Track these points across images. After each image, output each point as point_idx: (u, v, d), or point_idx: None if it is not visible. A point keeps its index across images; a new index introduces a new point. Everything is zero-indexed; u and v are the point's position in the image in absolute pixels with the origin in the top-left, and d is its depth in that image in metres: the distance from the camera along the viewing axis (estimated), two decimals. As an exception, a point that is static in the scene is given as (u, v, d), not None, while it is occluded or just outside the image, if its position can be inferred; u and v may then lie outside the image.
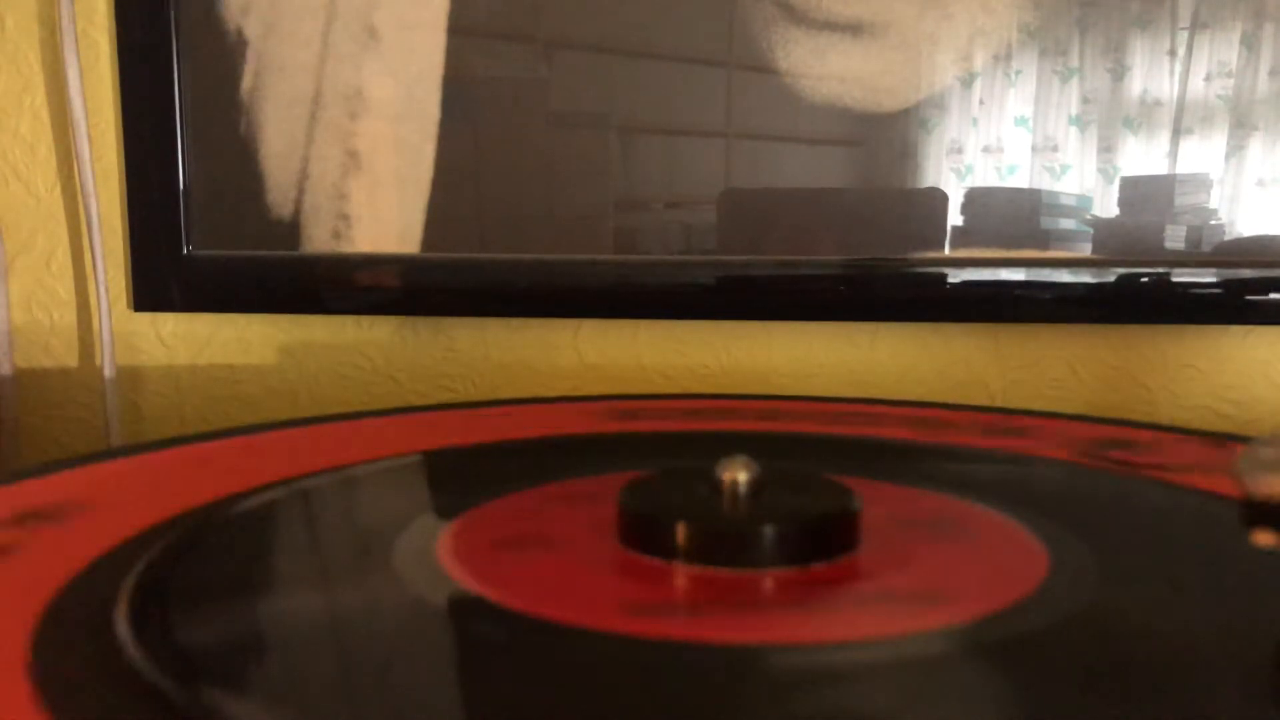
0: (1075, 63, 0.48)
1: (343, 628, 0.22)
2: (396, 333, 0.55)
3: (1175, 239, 0.48)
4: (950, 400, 0.51)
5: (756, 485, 0.25)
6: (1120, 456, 0.35)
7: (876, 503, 0.28)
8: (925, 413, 0.43)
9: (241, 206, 0.52)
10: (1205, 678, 0.19)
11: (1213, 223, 0.48)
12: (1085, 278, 0.48)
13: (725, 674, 0.19)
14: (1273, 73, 0.47)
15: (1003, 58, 0.48)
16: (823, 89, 0.49)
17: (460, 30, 0.50)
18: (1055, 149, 0.48)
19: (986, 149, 0.49)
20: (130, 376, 0.56)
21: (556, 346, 0.54)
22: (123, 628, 0.20)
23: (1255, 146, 0.47)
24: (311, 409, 0.55)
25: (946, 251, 0.49)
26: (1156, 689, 0.19)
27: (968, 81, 0.48)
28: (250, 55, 0.51)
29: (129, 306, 0.54)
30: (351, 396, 0.55)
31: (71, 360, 0.56)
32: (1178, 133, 0.48)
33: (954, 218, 0.49)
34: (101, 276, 0.53)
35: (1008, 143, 0.49)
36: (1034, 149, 0.49)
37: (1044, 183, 0.49)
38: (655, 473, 0.27)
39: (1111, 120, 0.48)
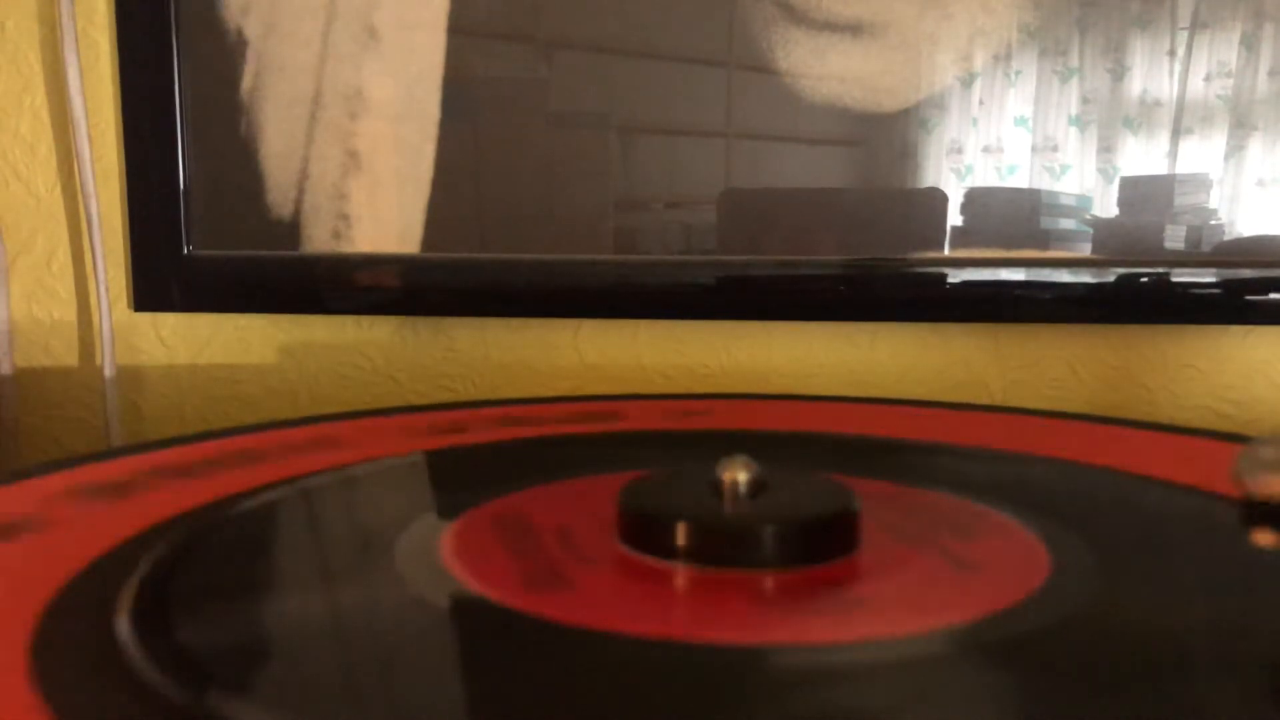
0: (1075, 63, 0.48)
1: (343, 628, 0.22)
2: (396, 333, 0.55)
3: (1175, 239, 0.48)
4: (950, 400, 0.51)
5: (756, 485, 0.25)
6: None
7: (877, 503, 0.28)
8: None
9: (241, 206, 0.52)
10: (1205, 678, 0.19)
11: (1213, 223, 0.48)
12: (1085, 278, 0.48)
13: (725, 674, 0.19)
14: (1273, 73, 0.47)
15: (1003, 58, 0.48)
16: (823, 89, 0.49)
17: (460, 30, 0.50)
18: (1055, 149, 0.48)
19: (986, 149, 0.49)
20: (130, 376, 0.56)
21: (556, 346, 0.54)
22: (123, 628, 0.20)
23: (1255, 146, 0.47)
24: (311, 409, 0.55)
25: (946, 251, 0.49)
26: (1156, 689, 0.19)
27: (968, 81, 0.48)
28: (250, 55, 0.51)
29: (129, 306, 0.54)
30: (351, 396, 0.55)
31: (71, 360, 0.56)
32: (1177, 133, 0.48)
33: (954, 218, 0.49)
34: (102, 276, 0.53)
35: (1008, 143, 0.49)
36: (1034, 149, 0.49)
37: (1044, 183, 0.49)
38: (655, 473, 0.27)
39: (1111, 120, 0.48)
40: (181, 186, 0.52)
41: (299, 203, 0.52)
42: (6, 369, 0.54)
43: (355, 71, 0.51)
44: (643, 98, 0.50)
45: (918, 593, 0.23)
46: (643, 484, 0.26)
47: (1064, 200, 0.49)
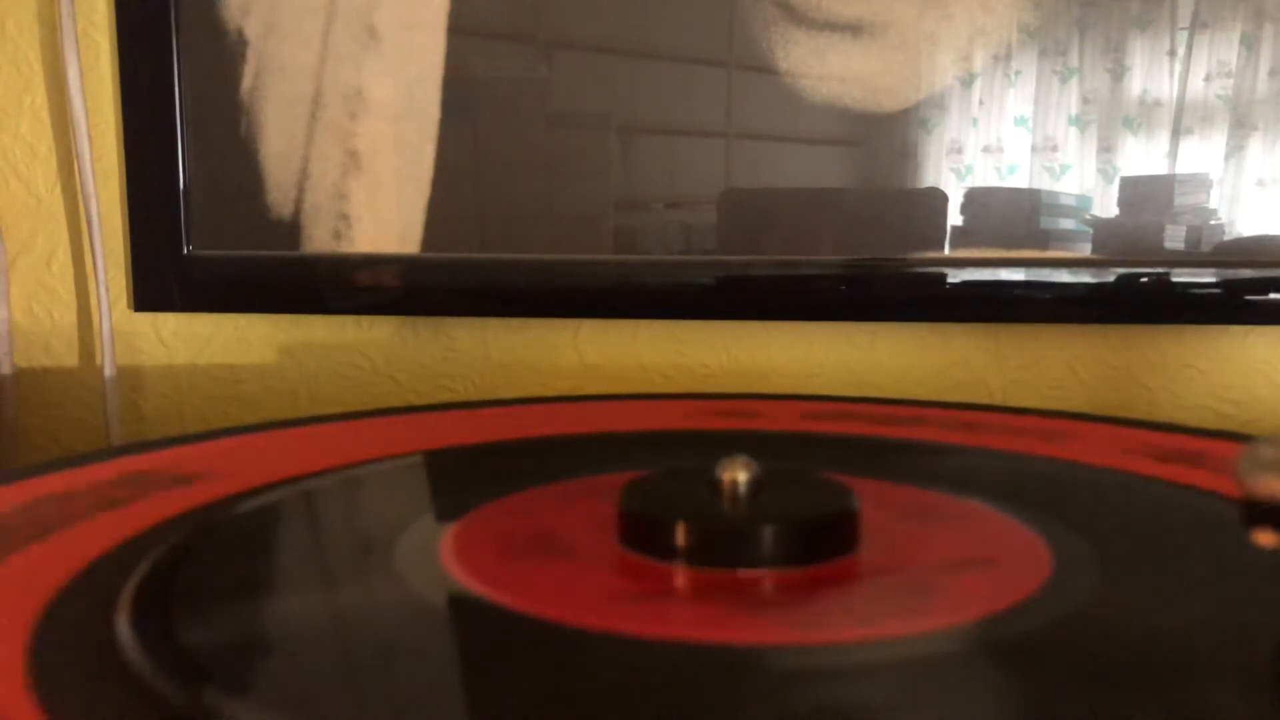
0: (1075, 63, 0.48)
1: (344, 628, 0.22)
2: (396, 333, 0.55)
3: (1175, 239, 0.48)
4: (950, 400, 0.51)
5: (756, 485, 0.25)
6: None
7: (876, 503, 0.28)
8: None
9: (241, 206, 0.52)
10: (1205, 678, 0.19)
11: (1213, 223, 0.48)
12: (1085, 278, 0.48)
13: (725, 674, 0.19)
14: (1272, 73, 0.47)
15: (1002, 58, 0.48)
16: (823, 89, 0.49)
17: (460, 30, 0.50)
18: (1055, 149, 0.48)
19: (986, 149, 0.49)
20: (130, 376, 0.56)
21: (556, 346, 0.54)
22: (123, 628, 0.20)
23: (1255, 146, 0.47)
24: (311, 409, 0.55)
25: (946, 251, 0.49)
26: (1156, 689, 0.19)
27: (968, 81, 0.48)
28: (250, 55, 0.51)
29: (129, 306, 0.54)
30: (351, 396, 0.55)
31: (72, 360, 0.56)
32: (1177, 133, 0.48)
33: (954, 218, 0.49)
34: (102, 276, 0.53)
35: (1008, 143, 0.49)
36: (1034, 149, 0.49)
37: (1044, 183, 0.49)
38: (655, 473, 0.27)
39: (1111, 120, 0.48)
40: (181, 186, 0.52)
41: (299, 203, 0.52)
42: (6, 369, 0.54)
43: (355, 71, 0.51)
44: (643, 98, 0.50)
45: (917, 593, 0.23)
46: (643, 484, 0.26)
47: (1064, 200, 0.49)
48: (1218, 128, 0.47)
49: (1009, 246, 0.49)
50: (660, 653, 0.20)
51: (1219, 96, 0.47)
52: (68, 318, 0.56)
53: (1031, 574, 0.24)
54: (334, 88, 0.51)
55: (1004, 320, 0.51)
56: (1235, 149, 0.47)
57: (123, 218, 0.54)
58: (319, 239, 0.52)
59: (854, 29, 0.49)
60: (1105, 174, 0.48)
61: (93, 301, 0.55)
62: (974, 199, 0.49)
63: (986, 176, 0.49)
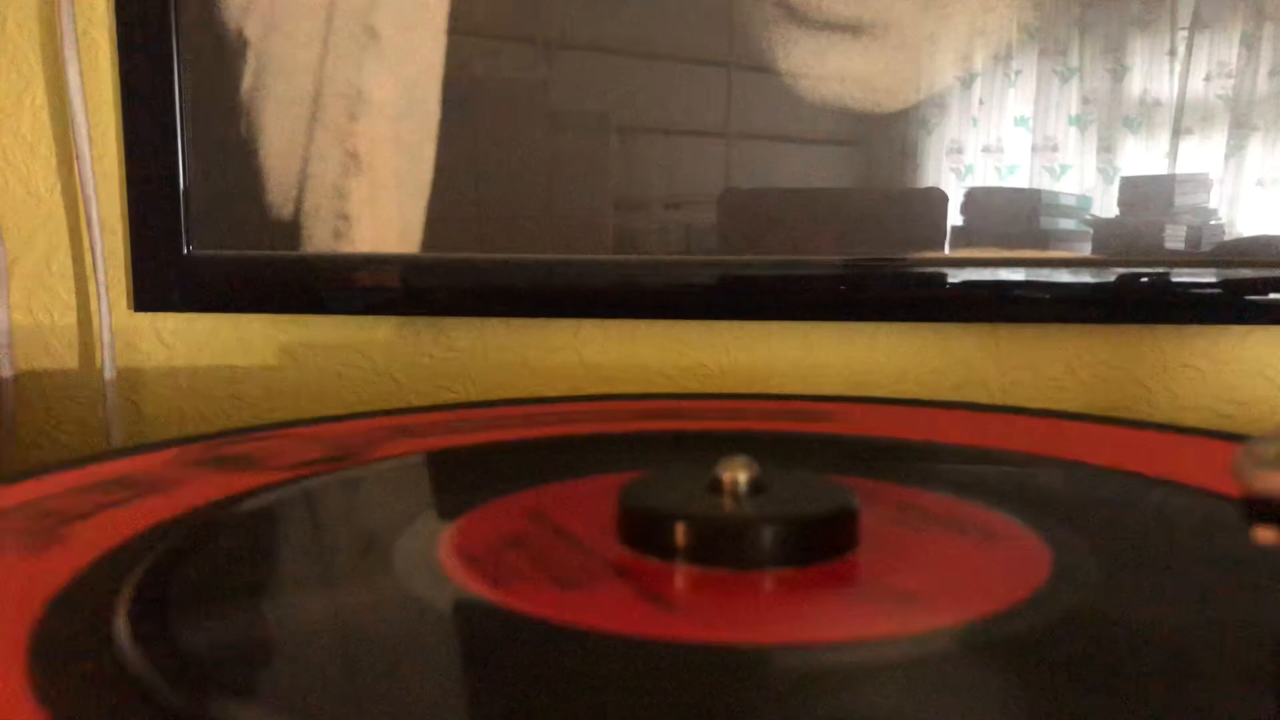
0: (1075, 63, 0.48)
1: (343, 629, 0.22)
2: (396, 333, 0.55)
3: (1175, 239, 0.48)
4: (950, 400, 0.51)
5: (756, 485, 0.25)
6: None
7: (876, 503, 0.28)
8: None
9: (241, 206, 0.52)
10: (1205, 678, 0.19)
11: (1213, 223, 0.48)
12: (1085, 278, 0.48)
13: (725, 674, 0.19)
14: (1273, 73, 0.47)
15: (1003, 58, 0.48)
16: (823, 89, 0.49)
17: (460, 30, 0.50)
18: (1055, 149, 0.48)
19: (986, 149, 0.49)
20: (130, 376, 0.56)
21: (556, 346, 0.54)
22: (122, 629, 0.20)
23: (1255, 146, 0.47)
24: (311, 409, 0.55)
25: (946, 251, 0.49)
26: (1156, 689, 0.19)
27: (968, 81, 0.48)
28: (250, 55, 0.51)
29: (129, 306, 0.54)
30: (351, 396, 0.55)
31: (72, 360, 0.56)
32: (1177, 133, 0.48)
33: (954, 218, 0.49)
34: (101, 277, 0.53)
35: (1008, 143, 0.49)
36: (1034, 149, 0.49)
37: (1044, 183, 0.49)
38: (655, 473, 0.27)
39: (1111, 120, 0.48)
40: (181, 186, 0.52)
41: (299, 203, 0.52)
42: (6, 369, 0.54)
43: (355, 71, 0.51)
44: (643, 98, 0.50)
45: (917, 593, 0.23)
46: (643, 484, 0.26)
47: (1064, 200, 0.49)
48: (1218, 128, 0.47)
49: (1009, 246, 0.49)
50: (660, 653, 0.20)
51: (1219, 96, 0.47)
52: (68, 318, 0.56)
53: (1031, 574, 0.24)
54: (334, 88, 0.51)
55: (1004, 320, 0.51)
56: (1235, 149, 0.47)
57: (123, 218, 0.54)
58: (319, 239, 0.52)
59: (854, 29, 0.49)
60: (1105, 174, 0.48)
61: (93, 302, 0.55)
62: (974, 199, 0.49)
63: (986, 176, 0.49)
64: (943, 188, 0.49)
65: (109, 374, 0.54)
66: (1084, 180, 0.48)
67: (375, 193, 0.52)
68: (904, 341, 0.52)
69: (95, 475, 0.32)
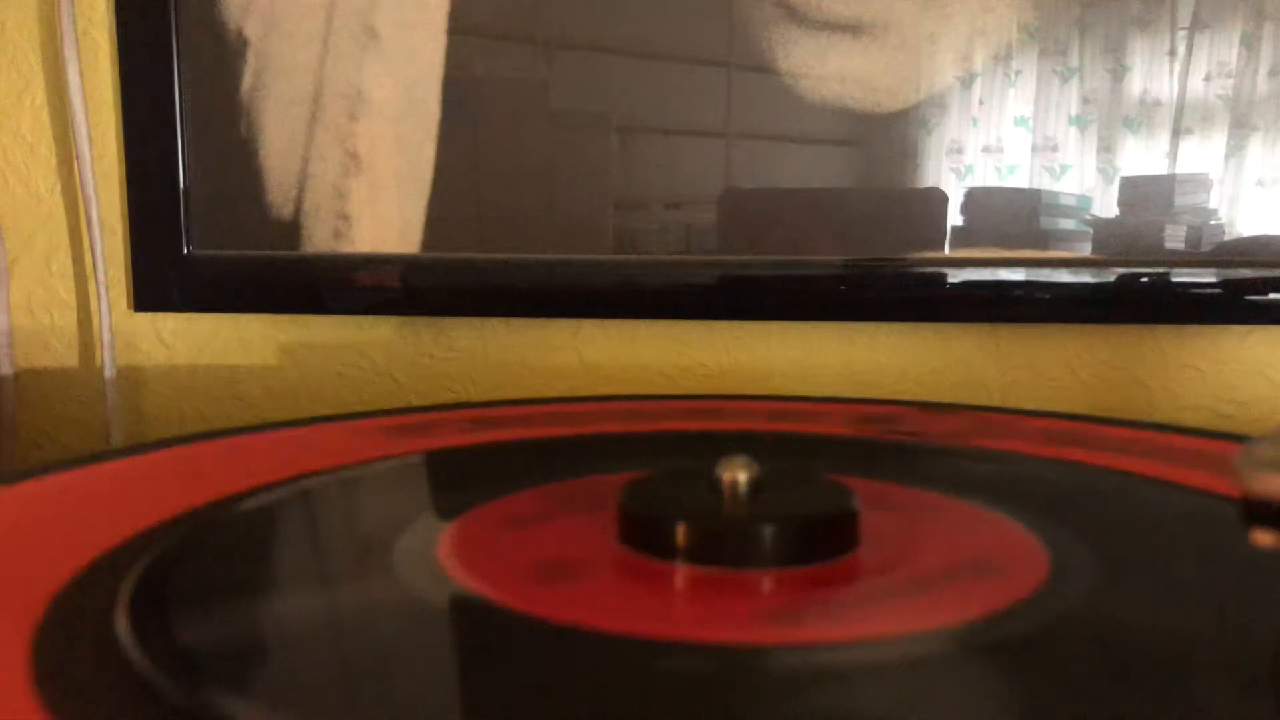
0: (1075, 63, 0.48)
1: (342, 627, 0.22)
2: (396, 333, 0.55)
3: (1175, 239, 0.48)
4: (950, 400, 0.51)
5: (756, 485, 0.25)
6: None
7: (876, 503, 0.28)
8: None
9: (241, 206, 0.52)
10: (1205, 678, 0.19)
11: (1213, 223, 0.48)
12: (1085, 278, 0.48)
13: (725, 674, 0.19)
14: (1272, 73, 0.47)
15: (1003, 58, 0.48)
16: (823, 89, 0.49)
17: (460, 30, 0.50)
18: (1055, 149, 0.48)
19: (986, 149, 0.49)
20: (130, 376, 0.56)
21: (556, 346, 0.54)
22: (123, 628, 0.20)
23: (1255, 146, 0.47)
24: (311, 409, 0.55)
25: (946, 251, 0.49)
26: (1156, 689, 0.19)
27: (968, 81, 0.48)
28: (250, 55, 0.51)
29: (129, 306, 0.54)
30: (351, 396, 0.55)
31: (72, 360, 0.56)
32: (1177, 133, 0.48)
33: (954, 218, 0.49)
34: (102, 277, 0.53)
35: (1008, 143, 0.49)
36: (1034, 149, 0.49)
37: (1044, 183, 0.49)
38: (655, 473, 0.27)
39: (1111, 120, 0.48)
40: (181, 186, 0.52)
41: (299, 203, 0.52)
42: (6, 369, 0.54)
43: (355, 71, 0.51)
44: (643, 98, 0.50)
45: (917, 593, 0.23)
46: (642, 484, 0.26)
47: (1064, 200, 0.49)
48: (1218, 128, 0.47)
49: (1009, 246, 0.49)
50: (660, 653, 0.20)
51: (1219, 96, 0.47)
52: (68, 318, 0.56)
53: (1030, 574, 0.24)
54: (334, 87, 0.51)
55: (1003, 320, 0.51)
56: (1235, 149, 0.47)
57: (123, 218, 0.54)
58: (319, 239, 0.52)
59: (854, 29, 0.49)
60: (1105, 174, 0.48)
61: (93, 302, 0.55)
62: (974, 199, 0.49)
63: (986, 176, 0.49)
64: (943, 188, 0.49)
65: (109, 374, 0.54)
66: (1084, 180, 0.48)
67: (375, 193, 0.52)
68: (904, 341, 0.52)
69: (95, 475, 0.32)
